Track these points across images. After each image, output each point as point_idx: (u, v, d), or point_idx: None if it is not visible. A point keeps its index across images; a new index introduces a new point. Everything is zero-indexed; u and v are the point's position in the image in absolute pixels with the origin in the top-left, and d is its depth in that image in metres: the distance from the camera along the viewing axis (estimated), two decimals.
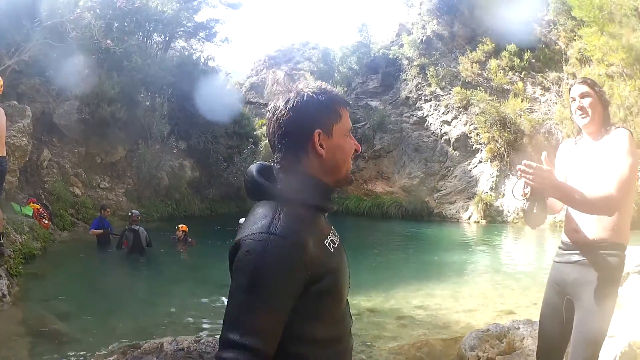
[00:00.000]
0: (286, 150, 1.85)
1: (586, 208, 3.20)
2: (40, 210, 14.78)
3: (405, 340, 6.77)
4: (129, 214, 14.08)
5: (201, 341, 5.44)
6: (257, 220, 1.69)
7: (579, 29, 24.29)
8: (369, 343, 6.64)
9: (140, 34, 25.49)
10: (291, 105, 1.82)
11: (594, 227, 3.37)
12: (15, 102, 15.45)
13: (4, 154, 8.24)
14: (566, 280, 3.49)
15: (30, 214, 14.13)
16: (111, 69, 20.68)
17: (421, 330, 7.31)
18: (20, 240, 11.42)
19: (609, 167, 3.25)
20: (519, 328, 5.89)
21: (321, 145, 1.82)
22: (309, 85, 1.90)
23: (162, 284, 11.21)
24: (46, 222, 14.54)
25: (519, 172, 3.11)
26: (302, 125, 1.82)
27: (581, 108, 3.48)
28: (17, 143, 14.33)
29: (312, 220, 1.78)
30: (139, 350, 5.46)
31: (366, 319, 8.21)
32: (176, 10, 26.14)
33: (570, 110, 3.65)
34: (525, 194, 3.28)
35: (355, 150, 1.93)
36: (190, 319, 8.44)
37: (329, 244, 1.80)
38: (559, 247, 3.66)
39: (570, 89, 3.63)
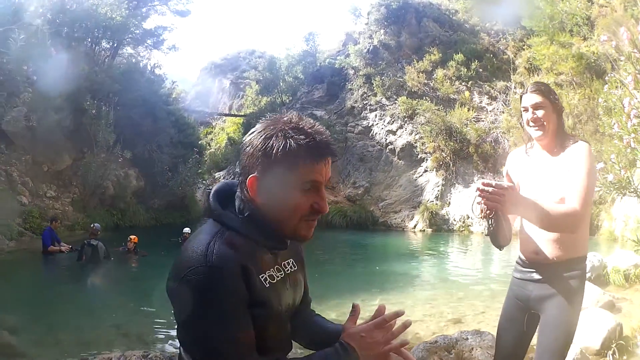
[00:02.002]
0: (241, 180, 1.76)
1: (549, 225, 3.02)
2: None
3: None
4: (91, 226, 14.32)
5: (149, 356, 5.38)
6: (196, 248, 1.64)
7: (528, 39, 24.69)
8: None
9: (89, 40, 25.05)
10: (250, 138, 1.73)
11: (554, 247, 3.20)
12: None
13: None
14: (529, 297, 3.34)
15: None
16: (58, 75, 20.16)
17: None
18: None
19: (570, 183, 3.07)
20: (467, 339, 5.78)
21: (258, 193, 1.71)
22: (298, 120, 1.72)
23: (111, 297, 11.04)
24: None
25: (477, 191, 2.92)
26: (247, 163, 1.72)
27: (535, 120, 3.25)
28: None
29: (249, 251, 1.71)
30: None
31: None
32: (125, 17, 25.69)
33: (522, 120, 3.43)
34: (482, 211, 3.01)
35: (316, 211, 1.73)
36: (138, 332, 8.29)
37: (265, 279, 1.73)
38: (518, 263, 3.48)
39: (522, 97, 3.41)
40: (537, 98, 3.24)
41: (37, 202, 19.00)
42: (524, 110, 3.32)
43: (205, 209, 1.84)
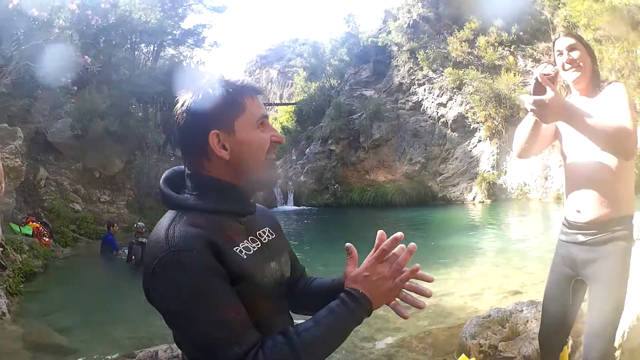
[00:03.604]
0: (187, 155, 1.69)
1: (600, 136, 2.75)
2: (40, 228, 14.64)
3: (409, 331, 6.45)
4: (134, 226, 14.09)
5: None
6: (156, 239, 1.53)
7: None
8: (370, 336, 6.43)
9: (128, 46, 25.44)
10: (185, 107, 1.64)
11: (597, 203, 3.07)
12: (5, 125, 15.24)
13: None
14: (576, 261, 3.22)
15: (30, 233, 13.99)
16: (100, 83, 20.55)
17: (426, 320, 7.07)
18: (20, 259, 11.23)
19: (613, 114, 2.89)
20: (522, 310, 5.54)
21: (224, 147, 1.63)
22: (210, 80, 1.68)
23: None
24: (47, 239, 14.41)
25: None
26: (197, 128, 1.64)
27: (571, 61, 3.14)
28: (11, 164, 14.08)
29: (215, 226, 1.59)
30: (134, 359, 5.42)
31: None
32: (160, 20, 25.93)
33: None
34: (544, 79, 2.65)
35: (275, 142, 1.71)
36: None
37: (240, 252, 1.60)
38: (563, 225, 3.34)
39: (554, 42, 3.28)
40: (570, 40, 3.18)
41: (90, 207, 19.41)
42: (558, 55, 3.22)
43: (162, 201, 1.70)
